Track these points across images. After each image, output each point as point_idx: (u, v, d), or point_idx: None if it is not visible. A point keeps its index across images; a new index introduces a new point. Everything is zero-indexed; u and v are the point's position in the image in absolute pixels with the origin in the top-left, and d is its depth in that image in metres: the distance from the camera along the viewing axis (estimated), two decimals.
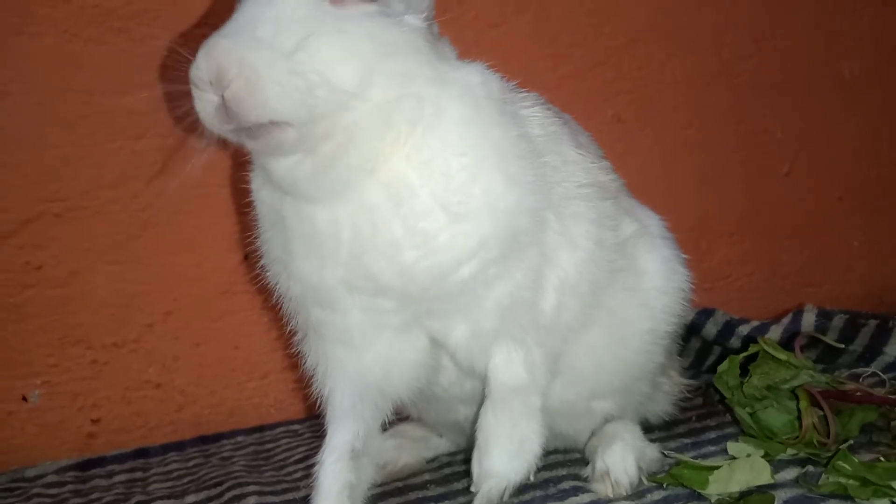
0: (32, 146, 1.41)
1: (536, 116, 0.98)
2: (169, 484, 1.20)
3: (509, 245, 0.88)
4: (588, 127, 1.12)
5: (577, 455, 1.10)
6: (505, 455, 0.92)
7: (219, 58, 0.74)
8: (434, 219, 0.84)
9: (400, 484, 1.08)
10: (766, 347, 1.11)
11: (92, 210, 1.44)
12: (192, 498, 1.12)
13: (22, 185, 1.41)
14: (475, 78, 0.90)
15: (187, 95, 0.79)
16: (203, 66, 0.75)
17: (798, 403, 1.06)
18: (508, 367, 0.94)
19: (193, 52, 0.77)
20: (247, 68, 0.74)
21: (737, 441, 1.06)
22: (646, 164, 1.70)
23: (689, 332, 1.41)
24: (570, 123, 1.07)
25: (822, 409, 1.05)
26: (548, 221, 0.93)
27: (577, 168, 0.99)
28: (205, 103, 0.77)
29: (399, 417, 1.16)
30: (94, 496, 1.19)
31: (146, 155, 1.45)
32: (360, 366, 0.94)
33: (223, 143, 0.85)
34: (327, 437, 0.97)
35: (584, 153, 1.02)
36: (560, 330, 0.98)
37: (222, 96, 0.75)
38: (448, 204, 0.84)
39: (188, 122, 0.82)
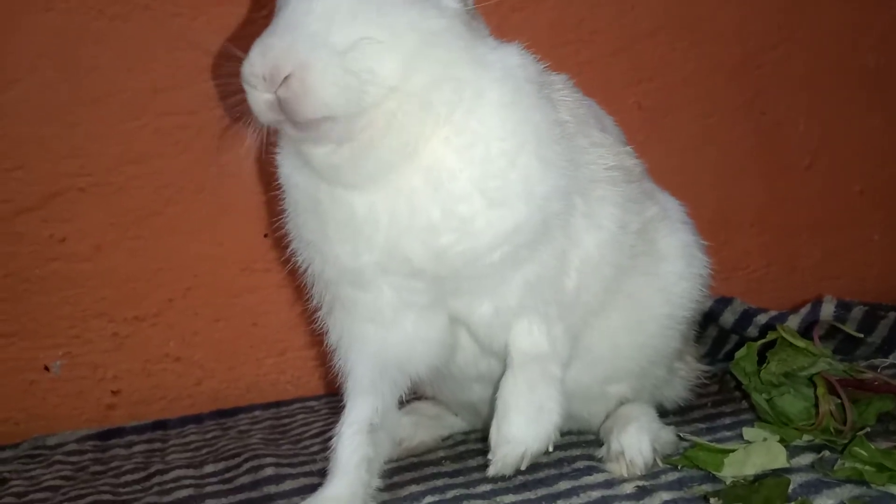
0: (58, 122, 1.43)
1: (566, 100, 0.98)
2: (187, 454, 1.22)
3: (541, 230, 0.89)
4: (609, 113, 1.12)
5: (592, 437, 1.10)
6: (523, 421, 0.92)
7: (276, 58, 0.76)
8: (472, 203, 0.85)
9: (415, 460, 1.09)
10: (784, 335, 1.10)
11: (116, 186, 1.46)
12: (210, 468, 1.14)
13: (47, 160, 1.43)
14: (514, 60, 0.91)
15: (238, 90, 0.81)
16: (258, 65, 0.77)
17: (815, 391, 1.05)
18: (529, 336, 0.95)
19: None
20: (303, 69, 0.76)
21: (752, 427, 1.06)
22: (666, 153, 1.69)
23: (707, 321, 1.41)
24: (594, 107, 1.07)
25: (839, 397, 1.04)
26: (575, 204, 0.94)
27: (604, 151, 1.00)
28: (258, 99, 0.78)
29: (415, 396, 1.17)
30: (113, 465, 1.22)
31: (170, 132, 1.47)
32: (385, 343, 0.95)
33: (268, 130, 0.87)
34: (345, 411, 0.99)
35: (609, 137, 1.03)
36: (580, 309, 0.98)
37: (276, 93, 0.77)
38: (486, 189, 0.85)
39: (237, 112, 0.84)
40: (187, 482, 1.09)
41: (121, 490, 1.10)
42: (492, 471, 0.93)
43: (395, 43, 0.80)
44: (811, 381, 1.07)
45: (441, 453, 1.11)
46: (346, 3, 0.79)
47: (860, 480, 0.85)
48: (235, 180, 1.47)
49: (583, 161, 0.96)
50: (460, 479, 1.00)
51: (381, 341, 0.95)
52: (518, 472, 0.93)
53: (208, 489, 1.06)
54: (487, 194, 0.85)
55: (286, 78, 0.75)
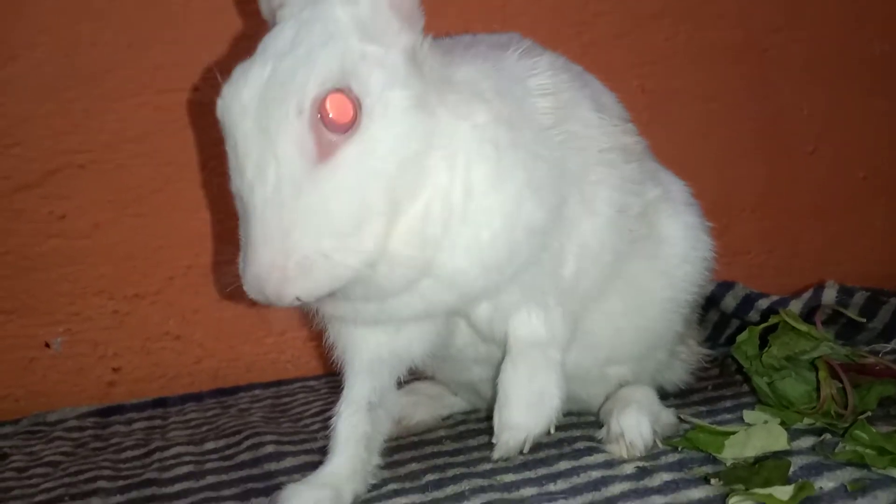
0: (58, 98, 1.42)
1: (547, 87, 0.94)
2: (188, 432, 1.22)
3: (537, 253, 0.89)
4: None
5: (592, 418, 1.10)
6: (524, 407, 0.92)
7: (261, 276, 0.74)
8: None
9: (415, 439, 1.10)
10: (787, 318, 1.10)
11: (115, 163, 1.45)
12: (210, 445, 1.14)
13: (47, 136, 1.42)
14: (480, 118, 0.84)
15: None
16: (254, 292, 0.75)
17: (817, 375, 1.05)
18: (527, 324, 0.94)
19: None
20: (289, 286, 0.74)
21: (753, 410, 1.06)
22: (669, 136, 1.67)
23: (708, 305, 1.41)
24: (592, 84, 1.04)
25: (840, 381, 1.04)
26: (570, 195, 0.92)
27: (598, 132, 0.97)
28: None
29: (415, 377, 1.17)
30: (114, 441, 1.22)
31: (171, 109, 1.46)
32: (381, 343, 0.96)
33: None
34: (344, 391, 0.98)
35: (605, 116, 1.00)
36: (579, 294, 0.97)
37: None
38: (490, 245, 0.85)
39: None
40: (188, 459, 1.09)
41: (121, 466, 1.10)
42: (495, 455, 0.94)
43: (359, 211, 0.76)
44: (813, 365, 1.07)
45: (441, 433, 1.12)
46: (295, 190, 0.74)
47: (861, 463, 0.85)
48: None
49: (575, 147, 0.93)
50: (461, 458, 1.00)
51: (377, 344, 0.96)
52: (521, 453, 0.94)
53: (209, 466, 1.06)
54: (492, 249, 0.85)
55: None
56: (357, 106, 0.75)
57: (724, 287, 1.46)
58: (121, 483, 1.03)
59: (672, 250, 1.06)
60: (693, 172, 1.17)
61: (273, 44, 0.79)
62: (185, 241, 1.46)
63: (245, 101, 0.75)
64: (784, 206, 1.82)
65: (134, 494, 0.98)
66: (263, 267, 0.73)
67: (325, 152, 0.74)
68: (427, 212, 0.80)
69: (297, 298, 0.74)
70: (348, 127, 0.74)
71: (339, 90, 0.75)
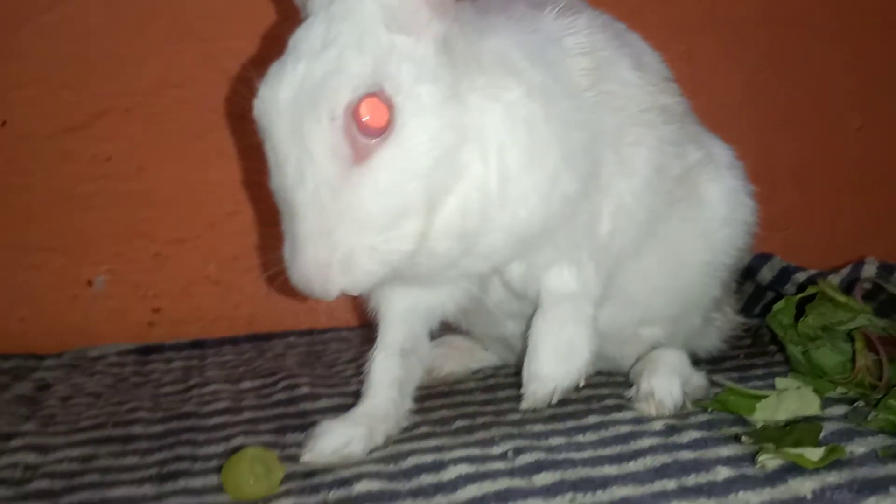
0: (104, 41, 1.44)
1: (584, 46, 0.93)
2: (225, 372, 1.25)
3: (571, 216, 0.90)
4: None
5: (621, 379, 1.11)
6: (553, 358, 0.93)
7: (308, 274, 0.77)
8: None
9: (446, 388, 1.12)
10: (825, 289, 1.09)
11: (160, 108, 1.47)
12: (247, 384, 1.17)
13: (94, 79, 1.45)
14: (512, 95, 0.84)
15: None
16: (299, 279, 0.78)
17: (853, 346, 1.05)
18: (559, 278, 0.95)
19: None
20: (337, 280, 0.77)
21: (785, 377, 1.05)
22: (713, 104, 1.63)
23: (744, 276, 1.40)
24: (634, 43, 1.02)
25: (876, 353, 1.03)
26: (605, 158, 0.92)
27: (637, 92, 0.96)
28: None
29: (447, 331, 1.19)
30: (153, 377, 1.26)
31: (214, 58, 1.47)
32: (417, 300, 0.98)
33: None
34: (378, 338, 1.00)
35: (645, 76, 0.98)
36: (613, 252, 0.97)
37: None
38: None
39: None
40: (225, 395, 1.12)
41: (161, 399, 1.13)
42: (523, 405, 0.95)
43: (399, 212, 0.78)
44: (849, 336, 1.06)
45: (471, 384, 1.13)
46: (331, 192, 0.76)
47: (894, 432, 0.85)
48: None
49: (612, 107, 0.93)
50: (490, 408, 1.02)
51: (412, 298, 0.99)
52: (549, 405, 0.95)
53: (245, 403, 1.09)
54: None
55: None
56: (390, 107, 0.76)
57: (762, 259, 1.45)
58: (161, 414, 1.06)
59: (712, 213, 1.05)
60: (735, 142, 1.15)
61: (304, 41, 0.80)
62: (225, 189, 1.48)
63: (281, 103, 0.77)
64: (826, 182, 1.78)
65: (174, 425, 1.02)
66: (309, 265, 0.76)
67: (360, 154, 0.75)
68: (465, 204, 0.81)
69: (342, 292, 0.78)
70: (382, 130, 0.75)
71: (372, 94, 0.75)
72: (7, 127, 1.42)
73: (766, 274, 1.44)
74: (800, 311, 1.11)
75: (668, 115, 0.99)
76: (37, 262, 1.44)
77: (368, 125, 0.75)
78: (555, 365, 0.93)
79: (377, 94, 0.75)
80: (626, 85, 0.96)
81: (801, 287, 1.37)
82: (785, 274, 1.42)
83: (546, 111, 0.85)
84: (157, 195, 1.47)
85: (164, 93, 1.47)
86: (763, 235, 1.17)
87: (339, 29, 0.78)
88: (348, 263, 0.76)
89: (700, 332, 1.15)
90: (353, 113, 0.75)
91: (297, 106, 0.76)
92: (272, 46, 0.90)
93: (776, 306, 1.12)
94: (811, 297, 1.11)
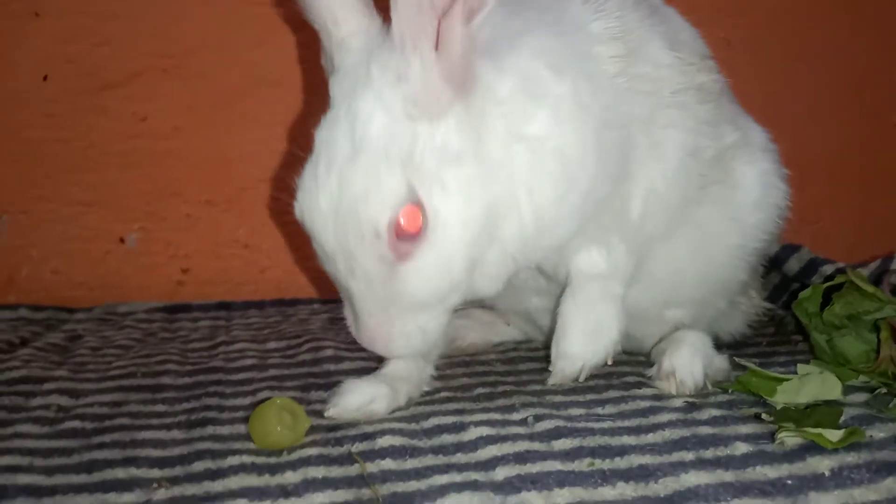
0: (143, 1, 1.45)
1: (614, 29, 0.92)
2: (251, 332, 1.28)
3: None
4: None
5: (643, 358, 1.11)
6: (581, 337, 0.94)
7: (371, 342, 0.86)
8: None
9: (467, 358, 1.13)
10: (853, 278, 1.08)
11: (195, 69, 1.49)
12: (272, 344, 1.19)
13: (131, 39, 1.47)
14: (536, 127, 0.85)
15: None
16: (365, 344, 0.87)
17: (878, 335, 1.04)
18: (589, 259, 0.96)
19: None
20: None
21: (808, 364, 1.05)
22: (750, 92, 1.61)
23: (770, 266, 1.39)
24: (670, 20, 1.01)
25: None
26: (636, 145, 0.92)
27: (671, 72, 0.95)
28: None
29: (470, 304, 1.19)
30: (181, 333, 1.28)
31: (249, 23, 1.48)
32: None
33: None
34: None
35: (681, 54, 0.97)
36: (644, 236, 0.98)
37: None
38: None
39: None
40: (251, 353, 1.14)
41: (189, 354, 1.16)
42: (550, 381, 0.97)
43: (448, 282, 0.84)
44: (875, 326, 1.06)
45: (492, 356, 1.14)
46: (381, 286, 0.82)
47: None
48: (313, 77, 1.49)
49: (644, 91, 0.92)
50: (510, 378, 1.03)
51: None
52: (577, 382, 0.96)
53: (271, 361, 1.11)
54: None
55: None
56: (422, 208, 0.79)
57: (790, 250, 1.44)
58: (189, 367, 1.09)
59: (745, 197, 1.05)
60: (771, 131, 1.14)
61: (332, 144, 0.81)
62: (259, 154, 1.50)
63: (323, 213, 0.80)
64: (860, 176, 1.77)
65: (202, 378, 1.04)
66: (371, 335, 0.85)
67: (402, 254, 0.80)
68: (504, 249, 0.86)
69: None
70: (419, 231, 0.80)
71: (409, 204, 0.79)
72: (48, 81, 1.45)
73: (794, 265, 1.43)
74: (826, 301, 1.11)
75: (704, 94, 0.98)
76: (72, 215, 1.48)
77: (406, 231, 0.79)
78: (583, 344, 0.94)
79: (412, 203, 0.79)
80: (660, 66, 0.95)
81: (828, 279, 1.36)
82: (812, 265, 1.41)
83: (575, 128, 0.85)
84: (190, 157, 1.49)
85: (200, 55, 1.48)
86: (792, 228, 1.16)
87: (364, 131, 0.79)
88: (405, 334, 0.84)
89: (725, 316, 1.15)
90: (395, 228, 0.79)
91: (340, 220, 0.79)
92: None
93: (802, 294, 1.12)
94: (838, 287, 1.11)
